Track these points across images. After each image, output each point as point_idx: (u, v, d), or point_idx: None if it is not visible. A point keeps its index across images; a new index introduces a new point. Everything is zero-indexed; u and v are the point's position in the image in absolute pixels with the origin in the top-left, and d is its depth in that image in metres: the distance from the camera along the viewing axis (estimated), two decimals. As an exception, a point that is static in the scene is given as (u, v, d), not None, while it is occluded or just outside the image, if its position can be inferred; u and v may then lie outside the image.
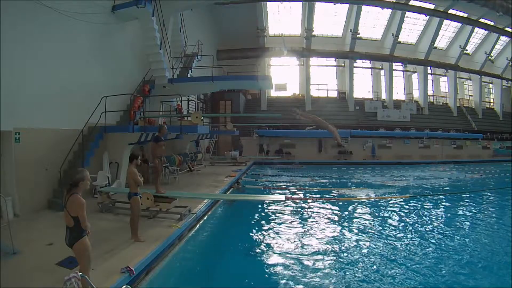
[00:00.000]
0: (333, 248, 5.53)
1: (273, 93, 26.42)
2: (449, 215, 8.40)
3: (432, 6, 22.80)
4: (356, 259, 5.06)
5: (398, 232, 6.60)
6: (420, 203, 9.49)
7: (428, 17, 24.07)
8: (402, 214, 8.14)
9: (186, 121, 10.22)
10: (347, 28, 24.80)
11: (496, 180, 15.20)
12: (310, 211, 8.25)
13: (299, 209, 8.46)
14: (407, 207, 8.87)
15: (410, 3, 22.70)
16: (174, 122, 12.28)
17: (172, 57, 11.95)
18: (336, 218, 7.75)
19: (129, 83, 10.70)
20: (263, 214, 8.07)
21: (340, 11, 24.23)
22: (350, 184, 13.12)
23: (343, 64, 26.93)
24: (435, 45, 25.57)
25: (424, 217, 8.00)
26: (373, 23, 25.48)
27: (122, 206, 6.56)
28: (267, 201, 8.91)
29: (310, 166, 19.06)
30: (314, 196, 10.40)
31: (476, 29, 25.31)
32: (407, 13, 23.49)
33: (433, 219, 7.85)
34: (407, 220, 7.63)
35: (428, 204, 9.48)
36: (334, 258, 5.09)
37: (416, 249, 5.50)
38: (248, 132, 21.46)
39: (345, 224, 7.25)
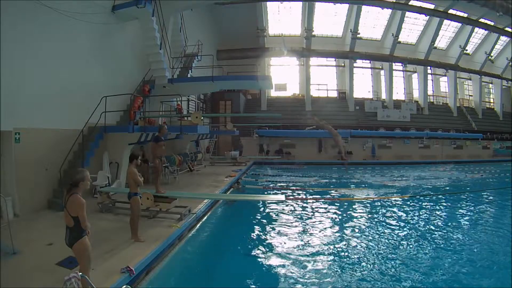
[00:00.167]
0: (333, 248, 5.53)
1: (273, 93, 26.44)
2: (449, 215, 8.40)
3: (432, 6, 22.80)
4: (356, 259, 5.05)
5: (398, 232, 6.59)
6: (420, 203, 9.49)
7: (428, 17, 24.07)
8: (402, 214, 8.14)
9: (186, 121, 10.22)
10: (347, 28, 24.80)
11: (496, 180, 15.20)
12: (310, 211, 8.25)
13: (299, 209, 8.46)
14: (407, 207, 8.88)
15: (410, 3, 22.70)
16: (174, 122, 12.28)
17: (172, 57, 11.95)
18: (336, 218, 7.76)
19: (129, 83, 10.71)
20: (263, 214, 8.08)
21: (340, 11, 24.23)
22: (350, 184, 13.12)
23: (343, 64, 26.93)
24: (435, 45, 25.57)
25: (424, 217, 8.01)
26: (373, 23, 25.48)
27: (122, 206, 6.55)
28: (267, 201, 8.91)
29: (310, 166, 19.07)
30: (314, 196, 10.39)
31: (476, 29, 25.31)
32: (407, 13, 23.49)
33: (433, 219, 7.85)
34: (407, 220, 7.62)
35: (428, 204, 9.48)
36: (334, 258, 5.09)
37: (416, 249, 5.50)
38: (248, 132, 21.45)
39: (345, 224, 7.25)
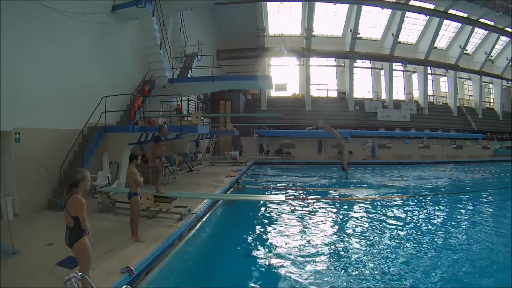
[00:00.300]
0: (333, 248, 5.53)
1: (273, 93, 26.44)
2: (449, 215, 8.39)
3: (432, 6, 22.80)
4: (356, 258, 5.05)
5: (398, 231, 6.59)
6: (420, 203, 9.50)
7: (428, 17, 24.07)
8: (402, 214, 8.14)
9: (186, 121, 10.22)
10: (347, 28, 24.80)
11: (496, 180, 15.20)
12: (310, 211, 8.25)
13: (299, 209, 8.46)
14: (407, 207, 8.88)
15: (410, 3, 22.70)
16: (174, 122, 12.28)
17: (172, 57, 11.95)
18: (336, 218, 7.76)
19: (129, 83, 10.70)
20: (263, 214, 8.08)
21: (340, 11, 24.23)
22: (350, 184, 13.10)
23: (343, 64, 26.93)
24: (435, 45, 25.57)
25: (424, 217, 8.01)
26: (373, 23, 25.48)
27: (122, 206, 6.55)
28: (267, 201, 8.90)
29: (310, 166, 19.08)
30: (314, 196, 10.39)
31: (476, 29, 25.31)
32: (407, 13, 23.49)
33: (433, 219, 7.85)
34: (407, 220, 7.63)
35: (428, 204, 9.49)
36: (334, 258, 5.09)
37: (416, 249, 5.50)
38: (248, 132, 21.45)
39: (345, 224, 7.25)
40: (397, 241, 5.97)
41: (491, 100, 30.80)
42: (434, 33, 24.63)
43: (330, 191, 10.98)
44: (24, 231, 5.24)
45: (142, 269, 4.11)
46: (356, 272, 4.53)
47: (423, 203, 9.50)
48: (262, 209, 8.47)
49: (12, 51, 5.97)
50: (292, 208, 8.57)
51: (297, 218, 7.64)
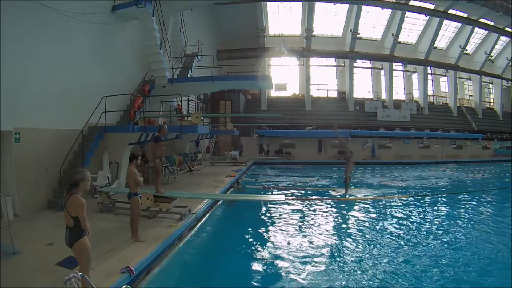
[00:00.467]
0: (333, 248, 5.53)
1: (273, 93, 26.45)
2: (449, 214, 8.38)
3: (432, 6, 22.81)
4: (356, 258, 5.05)
5: (398, 231, 6.59)
6: (420, 203, 9.49)
7: (428, 17, 24.08)
8: (402, 214, 8.13)
9: (186, 121, 10.22)
10: (347, 28, 24.80)
11: (496, 180, 15.19)
12: (310, 211, 8.24)
13: (299, 209, 8.45)
14: (407, 207, 8.87)
15: (410, 3, 22.70)
16: (174, 122, 12.28)
17: (172, 57, 11.95)
18: (336, 218, 7.75)
19: (129, 83, 10.70)
20: (263, 214, 8.07)
21: (340, 11, 24.24)
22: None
23: (343, 64, 26.93)
24: (435, 45, 25.58)
25: (424, 217, 8.00)
26: (373, 23, 25.49)
27: (122, 206, 6.55)
28: (267, 201, 8.90)
29: (310, 166, 19.07)
30: (314, 196, 10.39)
31: (476, 29, 25.32)
32: (407, 13, 23.50)
33: (433, 219, 7.84)
34: (407, 219, 7.62)
35: (428, 204, 9.48)
36: (335, 258, 5.09)
37: (417, 248, 5.49)
38: (248, 132, 21.46)
39: (345, 224, 7.24)
40: (397, 241, 5.97)
41: (491, 100, 30.81)
42: (434, 33, 24.64)
43: (330, 191, 10.97)
44: (24, 231, 5.24)
45: (142, 269, 4.10)
46: (356, 272, 4.53)
47: (423, 203, 9.49)
48: (262, 209, 8.47)
49: (12, 51, 5.97)
50: (292, 208, 8.56)
51: (297, 218, 7.64)
